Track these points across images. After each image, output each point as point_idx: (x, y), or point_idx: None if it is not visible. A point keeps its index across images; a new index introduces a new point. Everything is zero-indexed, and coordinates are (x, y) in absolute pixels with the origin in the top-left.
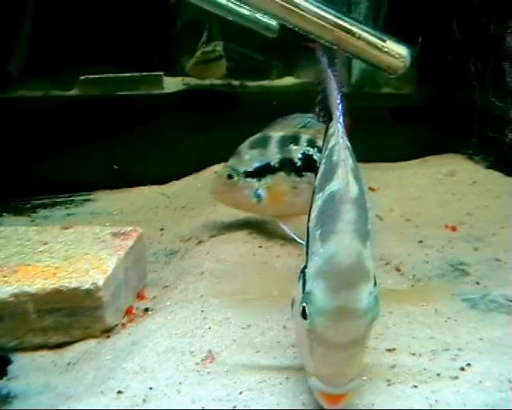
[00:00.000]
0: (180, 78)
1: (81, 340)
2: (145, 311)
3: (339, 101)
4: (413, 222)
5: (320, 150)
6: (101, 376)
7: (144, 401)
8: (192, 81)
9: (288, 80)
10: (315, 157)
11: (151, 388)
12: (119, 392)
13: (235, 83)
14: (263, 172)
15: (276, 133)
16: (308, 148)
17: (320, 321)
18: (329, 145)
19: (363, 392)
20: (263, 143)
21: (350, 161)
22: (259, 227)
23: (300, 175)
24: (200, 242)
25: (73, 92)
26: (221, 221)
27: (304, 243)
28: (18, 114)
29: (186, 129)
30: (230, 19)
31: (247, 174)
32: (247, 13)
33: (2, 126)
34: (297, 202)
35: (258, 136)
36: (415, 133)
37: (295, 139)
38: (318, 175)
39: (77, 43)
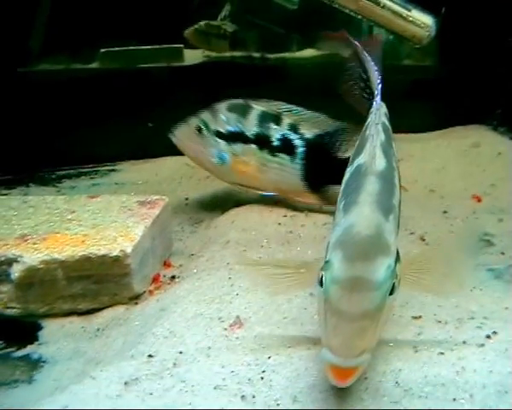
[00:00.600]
0: (200, 50)
1: (109, 307)
2: (172, 279)
3: (378, 80)
4: (437, 193)
5: (302, 138)
6: (131, 341)
7: (174, 364)
8: (212, 54)
9: (309, 52)
10: (295, 143)
11: (181, 352)
12: (150, 356)
13: (256, 55)
14: (235, 138)
15: (257, 106)
16: (290, 132)
17: (334, 290)
18: (366, 122)
19: (391, 358)
20: (243, 111)
21: (381, 136)
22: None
23: (274, 155)
24: (224, 211)
25: (94, 65)
26: (245, 191)
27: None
28: (41, 87)
29: (207, 101)
30: None
31: (218, 134)
32: None
33: (26, 99)
34: (260, 178)
35: (239, 102)
36: (438, 105)
37: (277, 119)
38: (352, 150)
39: (97, 17)
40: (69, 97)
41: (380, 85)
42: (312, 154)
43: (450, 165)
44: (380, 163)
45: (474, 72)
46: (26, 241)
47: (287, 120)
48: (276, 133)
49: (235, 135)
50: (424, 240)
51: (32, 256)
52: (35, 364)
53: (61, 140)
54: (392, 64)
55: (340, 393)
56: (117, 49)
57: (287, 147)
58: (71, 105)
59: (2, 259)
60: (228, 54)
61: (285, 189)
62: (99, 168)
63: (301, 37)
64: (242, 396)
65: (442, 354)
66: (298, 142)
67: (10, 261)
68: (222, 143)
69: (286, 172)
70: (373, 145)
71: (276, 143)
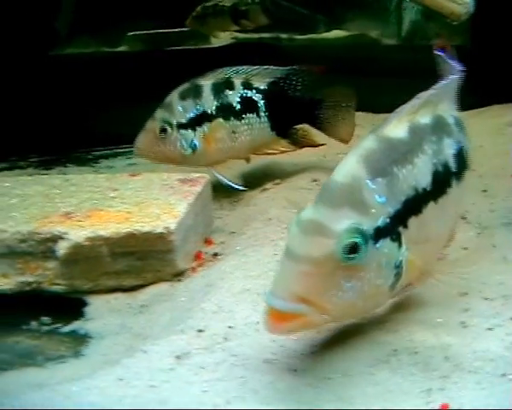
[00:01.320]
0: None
1: (153, 283)
2: (214, 256)
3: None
4: (476, 172)
5: (258, 91)
6: (178, 316)
7: (225, 339)
8: (240, 35)
9: (335, 33)
10: (254, 98)
11: (230, 327)
12: (200, 330)
13: (284, 36)
14: (198, 121)
15: (206, 82)
16: (246, 91)
17: (292, 230)
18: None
19: (439, 333)
20: (195, 93)
21: (419, 115)
22: (322, 174)
23: (240, 118)
24: (264, 189)
25: (122, 48)
26: (283, 169)
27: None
28: (74, 69)
29: None
30: None
31: (181, 126)
32: None
33: (60, 82)
34: (234, 147)
35: (187, 86)
36: (472, 84)
37: (229, 84)
38: None
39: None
40: (101, 80)
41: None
42: (273, 101)
43: (487, 143)
44: (392, 129)
45: (508, 50)
46: (70, 218)
47: (238, 81)
48: (234, 98)
49: (197, 118)
50: (465, 218)
51: (77, 233)
52: (82, 339)
53: (95, 121)
54: (421, 44)
55: (390, 368)
56: (144, 32)
57: (248, 105)
58: (103, 87)
59: (48, 236)
60: (256, 35)
61: (259, 145)
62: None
63: (328, 17)
64: (294, 370)
65: (490, 329)
66: (256, 96)
67: (56, 238)
68: (188, 132)
69: (255, 130)
70: (392, 116)
71: (238, 107)
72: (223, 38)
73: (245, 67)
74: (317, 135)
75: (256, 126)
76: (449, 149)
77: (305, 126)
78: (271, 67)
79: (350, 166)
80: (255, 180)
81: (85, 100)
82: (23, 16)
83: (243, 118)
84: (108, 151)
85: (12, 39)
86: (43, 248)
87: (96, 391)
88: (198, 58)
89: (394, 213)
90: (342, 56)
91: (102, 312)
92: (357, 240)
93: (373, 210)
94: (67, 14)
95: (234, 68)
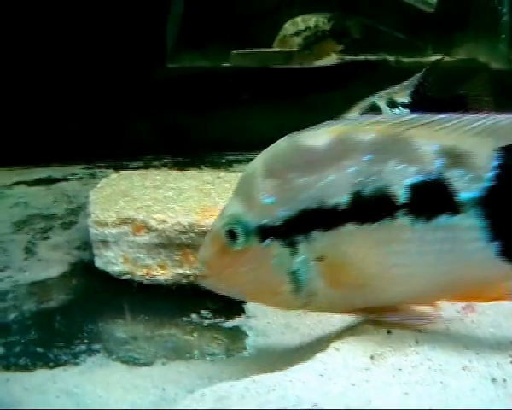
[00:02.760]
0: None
1: None
2: None
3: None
4: None
5: (404, 105)
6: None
7: (417, 342)
8: (346, 56)
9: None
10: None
11: (420, 331)
12: (389, 332)
13: (390, 58)
14: None
15: (354, 113)
16: (392, 109)
17: None
18: None
19: None
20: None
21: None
22: None
23: None
24: None
25: (228, 64)
26: None
27: None
28: (196, 81)
29: (336, 103)
30: None
31: None
32: None
33: (179, 92)
34: None
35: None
36: None
37: (375, 109)
38: None
39: (228, 20)
40: (218, 92)
41: None
42: (421, 109)
43: None
44: (313, 137)
45: None
46: None
47: (383, 103)
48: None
49: None
50: None
51: None
52: (245, 335)
53: (227, 128)
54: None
55: None
56: (248, 50)
57: None
58: (227, 99)
59: (209, 229)
60: (362, 56)
61: None
62: None
63: (434, 42)
64: (493, 379)
65: None
66: (405, 111)
67: None
68: None
69: None
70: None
71: None
72: (329, 59)
73: (380, 92)
74: None
75: None
76: (398, 177)
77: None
78: (405, 82)
79: (256, 160)
80: None
81: (198, 110)
82: (137, 32)
83: None
84: (241, 157)
85: (128, 54)
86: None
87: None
88: (303, 77)
89: (288, 218)
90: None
91: (264, 310)
92: (235, 228)
93: (258, 208)
94: (174, 30)
95: (373, 95)
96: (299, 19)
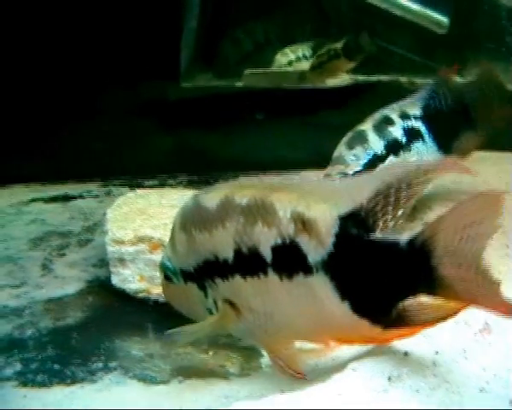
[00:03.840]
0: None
1: None
2: None
3: None
4: None
5: (416, 117)
6: None
7: (434, 364)
8: (359, 77)
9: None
10: (416, 125)
11: (437, 352)
12: (406, 354)
13: (403, 79)
14: (372, 165)
15: (367, 126)
16: (405, 120)
17: None
18: None
19: None
20: (360, 138)
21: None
22: None
23: (409, 150)
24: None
25: (240, 84)
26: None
27: None
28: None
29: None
30: (398, 13)
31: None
32: (416, 8)
33: (190, 111)
34: None
35: (351, 135)
36: None
37: (389, 120)
38: None
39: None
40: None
41: None
42: (432, 122)
43: None
44: (207, 197)
45: None
46: None
47: (395, 115)
48: (397, 132)
49: (370, 163)
50: None
51: None
52: (260, 355)
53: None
54: None
55: None
56: (261, 70)
57: (413, 135)
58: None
59: None
60: (375, 77)
61: None
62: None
63: (447, 63)
64: (510, 401)
65: None
66: (417, 123)
67: None
68: None
69: (425, 156)
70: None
71: (404, 140)
72: (341, 79)
73: (394, 104)
74: None
75: (424, 153)
76: (264, 239)
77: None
78: (415, 95)
79: (177, 213)
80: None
81: (212, 128)
82: (150, 50)
83: (411, 149)
84: (254, 176)
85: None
86: None
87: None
88: (315, 97)
89: (196, 266)
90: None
91: None
92: (166, 271)
93: (178, 255)
94: (188, 50)
95: (386, 107)
96: (287, 50)
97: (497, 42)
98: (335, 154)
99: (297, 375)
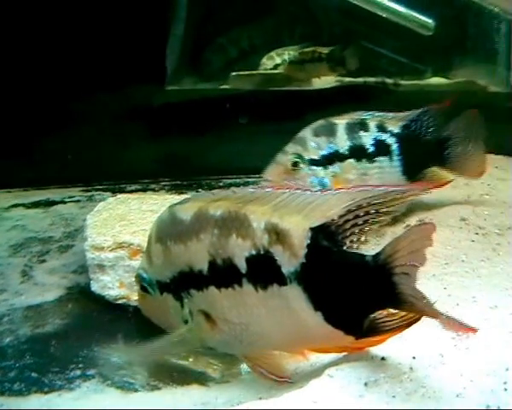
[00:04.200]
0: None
1: None
2: None
3: None
4: None
5: (392, 134)
6: None
7: (411, 369)
8: (346, 79)
9: (442, 80)
10: (388, 141)
11: (414, 357)
12: (383, 358)
13: (389, 81)
14: (330, 160)
15: (341, 121)
16: (380, 133)
17: None
18: None
19: None
20: (329, 131)
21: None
22: (472, 214)
23: (372, 161)
24: (408, 225)
25: (227, 86)
26: (425, 204)
27: None
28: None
29: None
30: (385, 16)
31: (313, 162)
32: (402, 10)
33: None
34: None
35: (322, 123)
36: None
37: (364, 126)
38: None
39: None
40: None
41: None
42: (406, 145)
43: None
44: (182, 210)
45: None
46: None
47: (373, 123)
48: (368, 139)
49: (330, 157)
50: None
51: None
52: (240, 361)
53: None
54: None
55: None
56: (247, 72)
57: (382, 148)
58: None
59: None
60: (361, 79)
61: None
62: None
63: (433, 65)
64: (487, 406)
65: None
66: (390, 139)
67: None
68: (319, 169)
69: (386, 174)
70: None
71: (371, 150)
72: (327, 81)
73: (380, 112)
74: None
75: (387, 170)
76: (239, 250)
77: (433, 168)
78: (404, 113)
79: (153, 224)
80: (397, 216)
81: (198, 132)
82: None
83: (375, 161)
84: (238, 180)
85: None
86: None
87: None
88: (301, 99)
89: (172, 278)
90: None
91: None
92: (142, 282)
93: (154, 266)
94: (175, 54)
95: (370, 112)
96: (273, 53)
97: (484, 44)
98: (299, 134)
99: (280, 379)
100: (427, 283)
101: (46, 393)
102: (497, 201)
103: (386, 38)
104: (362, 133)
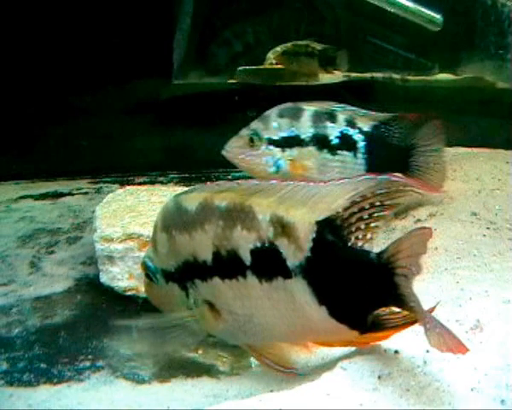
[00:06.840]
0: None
1: None
2: None
3: None
4: None
5: (361, 132)
6: None
7: (425, 362)
8: (352, 74)
9: (449, 76)
10: (355, 138)
11: (428, 351)
12: (396, 352)
13: (396, 76)
14: (289, 143)
15: (310, 107)
16: (348, 128)
17: None
18: None
19: None
20: (294, 114)
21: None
22: (483, 208)
23: (334, 153)
24: (418, 220)
25: (234, 80)
26: (436, 198)
27: None
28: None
29: None
30: (392, 11)
31: (271, 142)
32: (410, 6)
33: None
34: (321, 179)
35: (289, 105)
36: None
37: (332, 117)
38: None
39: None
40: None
41: None
42: (374, 145)
43: None
44: (187, 200)
45: None
46: None
47: (342, 117)
48: (333, 131)
49: (289, 140)
50: None
51: None
52: None
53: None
54: None
55: None
56: (254, 67)
57: (347, 143)
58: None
59: None
60: (368, 74)
61: None
62: None
63: (440, 61)
64: (502, 401)
65: None
66: (358, 136)
67: None
68: (276, 150)
69: (349, 169)
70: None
71: (335, 142)
72: (334, 76)
73: (353, 107)
74: None
75: (350, 166)
76: (243, 242)
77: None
78: (376, 113)
79: (159, 213)
80: (408, 210)
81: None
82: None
83: (337, 153)
84: (246, 173)
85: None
86: None
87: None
88: (307, 94)
89: (177, 267)
90: (455, 98)
91: None
92: (148, 271)
93: (159, 255)
94: (181, 48)
95: (342, 105)
96: (278, 48)
97: (492, 40)
98: (266, 112)
99: (286, 370)
100: (440, 277)
101: (55, 384)
102: (509, 195)
103: (393, 34)
104: (328, 124)
